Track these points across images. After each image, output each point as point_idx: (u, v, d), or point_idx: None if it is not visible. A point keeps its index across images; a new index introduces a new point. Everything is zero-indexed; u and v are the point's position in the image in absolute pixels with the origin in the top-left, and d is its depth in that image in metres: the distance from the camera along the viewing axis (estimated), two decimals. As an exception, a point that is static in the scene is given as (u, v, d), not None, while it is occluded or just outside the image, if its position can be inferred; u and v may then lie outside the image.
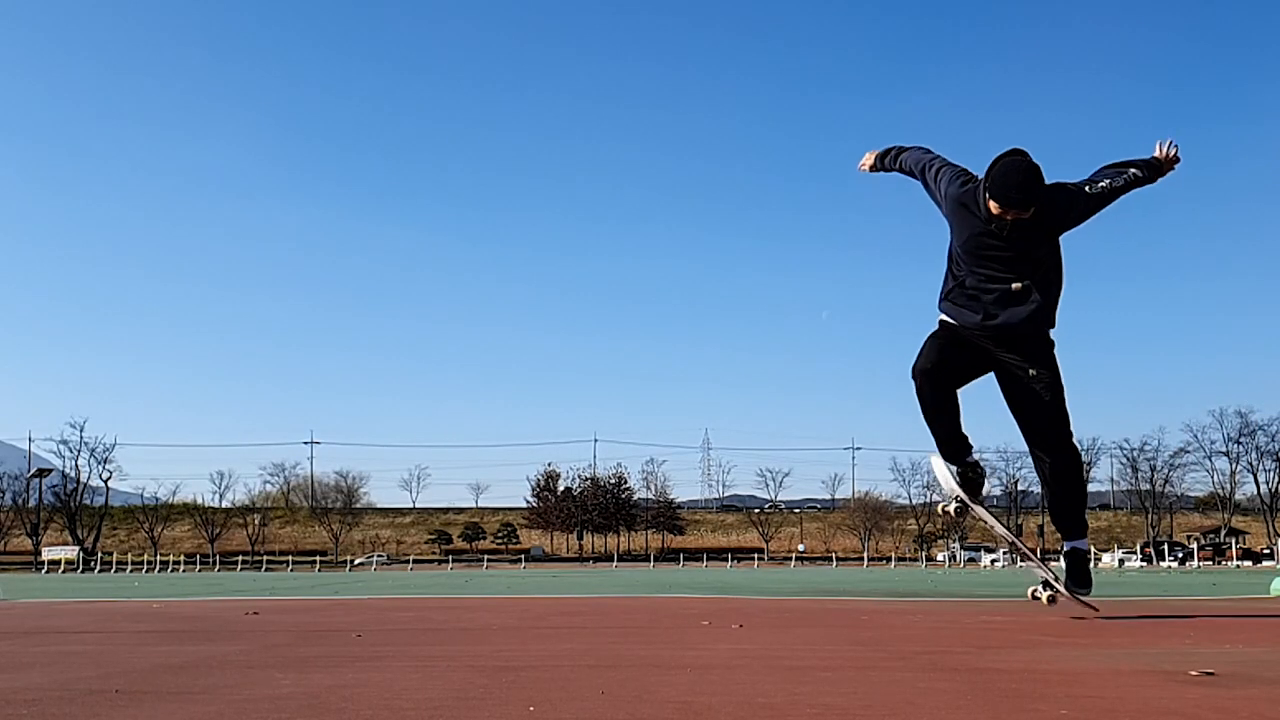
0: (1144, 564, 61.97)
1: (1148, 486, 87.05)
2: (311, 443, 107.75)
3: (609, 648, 3.07)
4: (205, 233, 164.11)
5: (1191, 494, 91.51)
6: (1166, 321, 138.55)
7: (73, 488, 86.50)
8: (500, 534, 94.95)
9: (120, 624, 4.51)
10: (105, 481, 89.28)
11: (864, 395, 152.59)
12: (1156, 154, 4.45)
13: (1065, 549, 4.64)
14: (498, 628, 3.94)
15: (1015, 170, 4.08)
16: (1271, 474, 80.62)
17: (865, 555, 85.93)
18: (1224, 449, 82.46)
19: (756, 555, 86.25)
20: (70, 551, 76.57)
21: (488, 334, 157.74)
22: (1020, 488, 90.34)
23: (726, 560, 74.34)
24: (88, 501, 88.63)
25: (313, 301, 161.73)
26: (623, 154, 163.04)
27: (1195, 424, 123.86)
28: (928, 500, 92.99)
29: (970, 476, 4.80)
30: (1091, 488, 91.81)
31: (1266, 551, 67.47)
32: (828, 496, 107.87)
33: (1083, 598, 4.50)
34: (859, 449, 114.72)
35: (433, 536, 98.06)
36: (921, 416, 4.61)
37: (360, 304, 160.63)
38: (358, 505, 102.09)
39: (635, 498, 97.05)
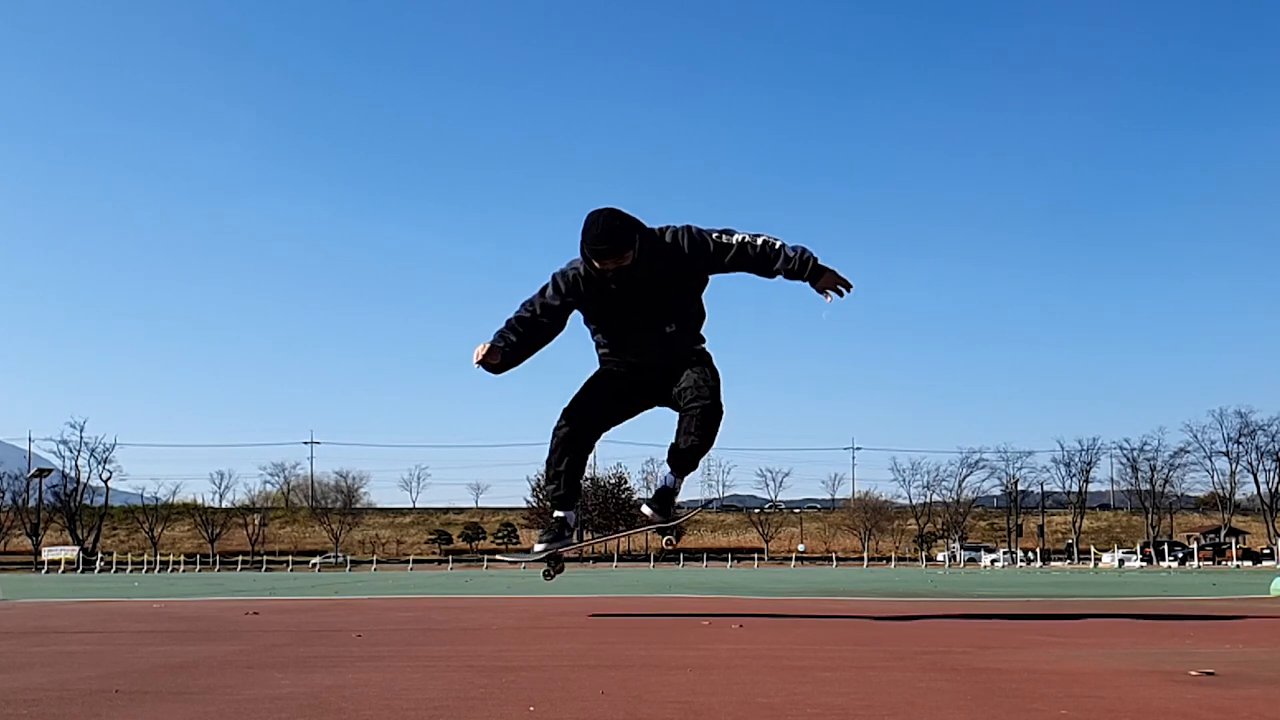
0: (1144, 564, 61.94)
1: (1148, 486, 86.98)
2: (311, 443, 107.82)
3: (609, 648, 3.07)
4: (205, 233, 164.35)
5: (1191, 494, 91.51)
6: (1166, 321, 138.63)
7: (73, 488, 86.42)
8: (500, 534, 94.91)
9: (120, 624, 4.51)
10: (105, 481, 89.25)
11: (864, 395, 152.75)
12: (832, 271, 4.35)
13: (668, 482, 4.62)
14: (498, 628, 3.94)
15: (595, 224, 4.20)
16: (1271, 474, 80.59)
17: (865, 555, 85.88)
18: (1224, 449, 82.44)
19: (756, 555, 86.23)
20: (70, 551, 76.49)
21: (487, 334, 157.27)
22: (1020, 488, 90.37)
23: (726, 560, 74.31)
24: (88, 501, 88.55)
25: (313, 301, 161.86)
26: (623, 154, 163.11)
27: (1195, 424, 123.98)
28: (928, 500, 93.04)
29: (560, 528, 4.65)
30: (1092, 488, 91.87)
31: (1266, 551, 67.45)
32: (828, 496, 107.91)
33: (653, 511, 4.61)
34: (859, 449, 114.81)
35: (433, 536, 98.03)
36: (556, 458, 4.58)
37: (360, 304, 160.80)
38: (358, 505, 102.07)
39: (635, 498, 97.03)
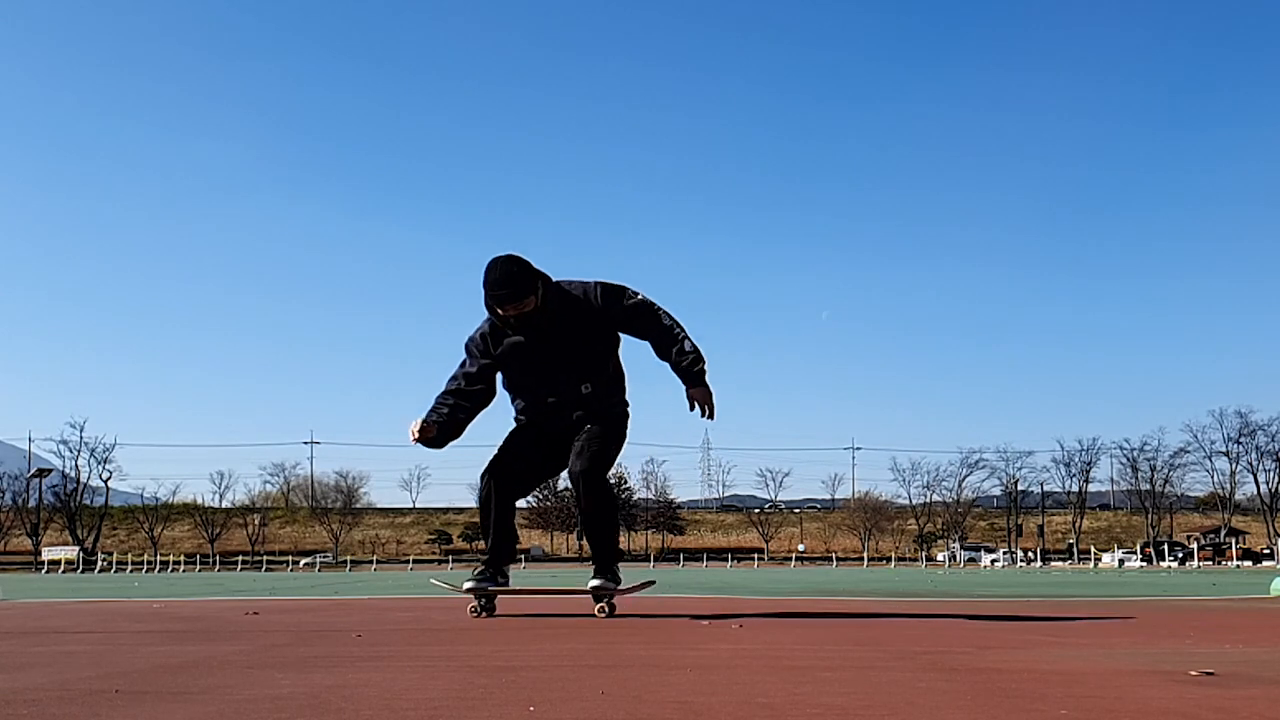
0: (1144, 564, 61.92)
1: (1148, 486, 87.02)
2: (311, 443, 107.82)
3: (609, 648, 3.07)
4: (206, 232, 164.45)
5: (1191, 494, 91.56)
6: (1167, 321, 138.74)
7: (73, 488, 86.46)
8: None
9: (120, 624, 4.51)
10: (105, 481, 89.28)
11: (864, 395, 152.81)
12: (709, 389, 4.36)
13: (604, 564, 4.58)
14: (498, 628, 3.94)
15: (493, 269, 4.20)
16: (1271, 474, 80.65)
17: (865, 555, 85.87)
18: (1224, 449, 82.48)
19: (756, 555, 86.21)
20: (70, 551, 76.50)
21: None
22: (1020, 488, 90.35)
23: (726, 560, 74.30)
24: (88, 501, 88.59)
25: (313, 301, 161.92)
26: (622, 154, 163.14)
27: (1195, 424, 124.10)
28: (928, 500, 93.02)
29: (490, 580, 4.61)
30: (1091, 488, 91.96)
31: (1266, 551, 67.45)
32: (828, 496, 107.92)
33: (602, 580, 4.54)
34: (859, 449, 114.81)
35: (433, 536, 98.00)
36: (482, 520, 4.62)
37: (360, 304, 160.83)
38: (358, 505, 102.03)
39: (635, 498, 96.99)
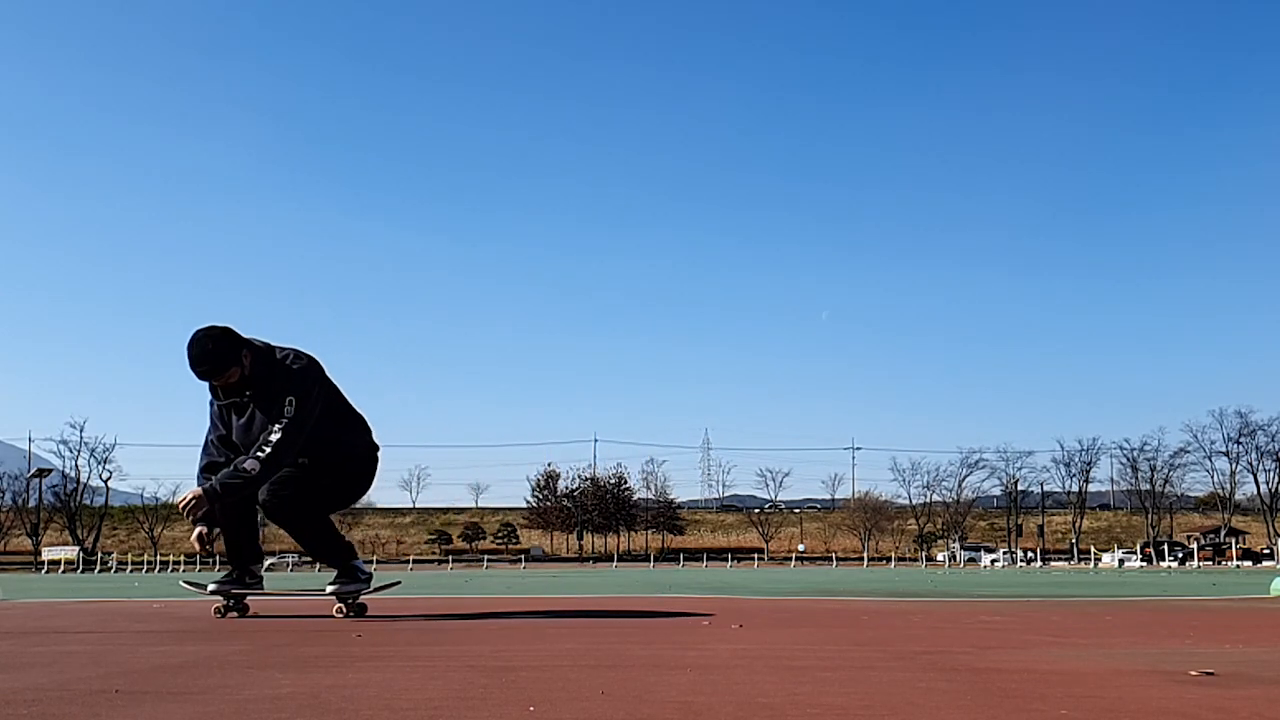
0: (1144, 564, 61.88)
1: (1148, 486, 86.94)
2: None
3: (609, 648, 3.07)
4: (206, 233, 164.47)
5: (1191, 494, 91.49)
6: (1167, 321, 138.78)
7: (73, 488, 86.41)
8: (500, 534, 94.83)
9: (120, 624, 4.51)
10: (105, 481, 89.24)
11: (864, 395, 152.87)
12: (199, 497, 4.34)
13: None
14: (498, 628, 3.94)
15: (192, 346, 4.25)
16: (1271, 474, 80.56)
17: (865, 555, 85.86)
18: (1224, 449, 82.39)
19: (756, 555, 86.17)
20: (70, 551, 76.43)
21: (488, 334, 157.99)
22: (1020, 488, 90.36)
23: (726, 560, 74.24)
24: (88, 501, 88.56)
25: (312, 302, 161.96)
26: (622, 155, 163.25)
27: (1195, 424, 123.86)
28: (928, 500, 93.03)
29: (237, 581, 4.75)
30: (1092, 488, 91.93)
31: (1266, 551, 67.42)
32: (828, 496, 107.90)
33: (337, 586, 4.61)
34: (859, 449, 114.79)
35: (433, 537, 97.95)
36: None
37: (361, 304, 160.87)
38: (357, 505, 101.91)
39: (635, 498, 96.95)
